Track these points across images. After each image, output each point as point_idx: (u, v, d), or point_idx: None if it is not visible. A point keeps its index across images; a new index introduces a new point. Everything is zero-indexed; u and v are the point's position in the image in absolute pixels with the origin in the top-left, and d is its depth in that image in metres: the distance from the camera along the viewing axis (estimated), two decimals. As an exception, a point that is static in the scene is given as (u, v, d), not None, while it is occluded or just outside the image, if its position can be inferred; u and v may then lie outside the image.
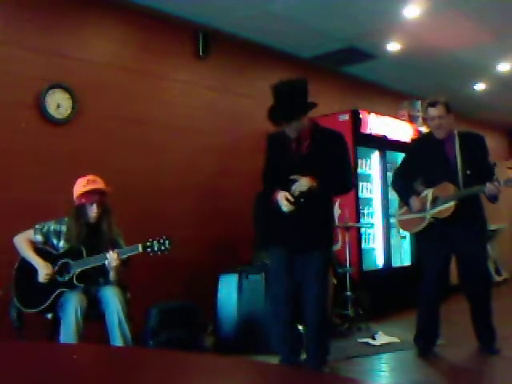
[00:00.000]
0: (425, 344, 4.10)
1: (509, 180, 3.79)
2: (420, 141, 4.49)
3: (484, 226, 4.09)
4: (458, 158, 3.92)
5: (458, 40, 5.90)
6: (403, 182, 4.18)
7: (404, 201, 4.17)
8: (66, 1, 4.46)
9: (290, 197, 3.27)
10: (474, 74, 7.27)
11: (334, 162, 3.39)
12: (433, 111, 3.96)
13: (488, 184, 3.71)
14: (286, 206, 3.27)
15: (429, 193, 3.99)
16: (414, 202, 4.01)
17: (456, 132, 4.03)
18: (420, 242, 4.39)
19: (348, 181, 3.57)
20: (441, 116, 3.93)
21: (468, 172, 3.88)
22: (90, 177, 3.50)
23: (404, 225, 4.34)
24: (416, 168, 4.13)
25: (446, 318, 4.24)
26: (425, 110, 4.12)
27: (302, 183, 3.28)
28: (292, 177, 3.30)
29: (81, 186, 3.47)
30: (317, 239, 3.42)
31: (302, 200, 3.30)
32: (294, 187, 3.29)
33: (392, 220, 6.34)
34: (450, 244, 3.94)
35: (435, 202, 3.96)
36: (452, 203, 3.86)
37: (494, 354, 3.92)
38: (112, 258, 3.29)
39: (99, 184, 3.48)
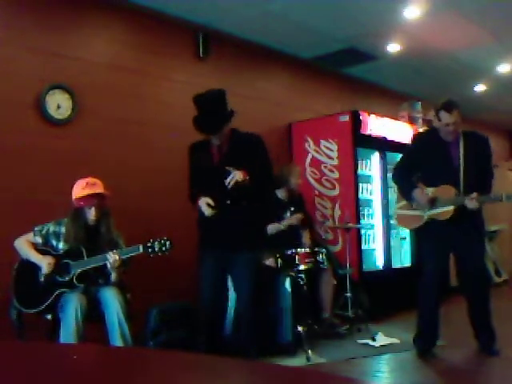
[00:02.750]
0: (425, 345, 4.09)
1: (510, 196, 3.76)
2: (425, 137, 4.32)
3: (482, 225, 4.09)
4: (461, 161, 3.89)
5: (458, 41, 5.91)
6: (405, 176, 4.15)
7: (405, 196, 4.14)
8: (66, 1, 4.47)
9: (210, 201, 3.38)
10: (474, 75, 7.27)
11: (252, 162, 3.47)
12: (448, 118, 3.83)
13: (467, 200, 3.75)
14: (206, 211, 3.40)
15: (429, 192, 3.98)
16: (419, 194, 3.97)
17: (461, 131, 3.97)
18: (420, 241, 4.38)
19: (268, 179, 3.65)
20: (455, 123, 3.85)
21: (470, 175, 3.87)
22: (89, 179, 3.49)
23: (401, 220, 4.34)
24: (418, 164, 4.11)
25: (446, 318, 4.25)
26: (436, 112, 3.92)
27: (236, 175, 3.34)
28: (227, 168, 3.38)
29: (79, 188, 3.46)
30: (241, 241, 3.53)
31: (228, 202, 3.44)
32: (228, 179, 3.35)
33: (392, 221, 6.35)
34: (449, 243, 3.94)
35: (434, 202, 3.95)
36: (451, 207, 3.85)
37: (494, 355, 3.91)
38: (113, 259, 3.29)
39: (98, 187, 3.46)
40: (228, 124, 3.50)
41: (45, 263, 3.35)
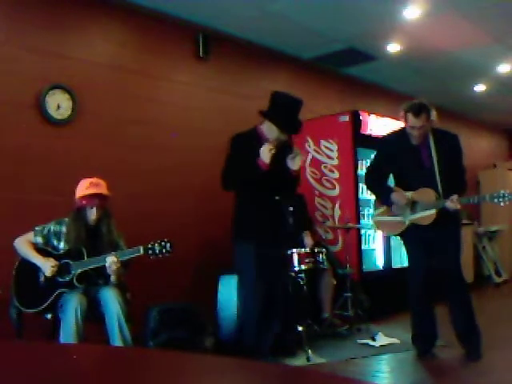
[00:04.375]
0: (424, 345, 4.07)
1: (494, 195, 3.67)
2: (394, 139, 4.09)
3: (459, 229, 4.05)
4: (435, 162, 3.82)
5: (458, 41, 5.91)
6: (378, 180, 4.08)
7: (382, 200, 4.08)
8: (66, 1, 4.47)
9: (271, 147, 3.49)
10: (474, 75, 7.27)
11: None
12: (415, 121, 3.75)
13: (448, 202, 3.69)
14: (267, 155, 3.47)
15: (408, 196, 3.90)
16: (398, 196, 3.90)
17: (430, 131, 3.87)
18: (403, 243, 4.29)
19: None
20: (422, 126, 3.76)
21: (445, 176, 3.81)
22: (93, 179, 3.49)
23: (382, 227, 4.27)
24: (389, 168, 4.05)
25: (446, 319, 4.23)
26: (404, 113, 3.82)
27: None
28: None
29: (83, 188, 3.47)
30: (286, 238, 3.70)
31: (277, 198, 3.55)
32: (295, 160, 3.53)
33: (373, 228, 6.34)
34: (429, 245, 3.90)
35: (414, 206, 3.88)
36: (433, 211, 3.79)
37: (477, 360, 3.83)
38: (111, 262, 3.28)
39: (101, 188, 3.47)
40: None
41: (48, 266, 3.34)
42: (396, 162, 3.98)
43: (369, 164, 4.36)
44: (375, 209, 4.28)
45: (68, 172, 4.15)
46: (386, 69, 6.81)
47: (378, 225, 4.29)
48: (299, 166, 3.53)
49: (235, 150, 3.66)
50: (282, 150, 3.56)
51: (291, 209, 4.89)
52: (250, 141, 3.62)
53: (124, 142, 4.74)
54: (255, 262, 3.52)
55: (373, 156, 4.37)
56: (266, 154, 3.46)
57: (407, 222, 3.94)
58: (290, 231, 3.73)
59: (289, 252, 4.48)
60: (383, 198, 4.06)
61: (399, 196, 3.91)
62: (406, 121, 3.85)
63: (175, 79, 5.23)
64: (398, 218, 3.98)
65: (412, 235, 3.98)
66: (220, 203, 5.45)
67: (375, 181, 4.12)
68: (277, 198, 3.54)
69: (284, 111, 3.52)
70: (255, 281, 3.54)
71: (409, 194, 3.91)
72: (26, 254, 3.44)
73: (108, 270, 3.32)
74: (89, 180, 3.49)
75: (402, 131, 3.98)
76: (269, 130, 3.58)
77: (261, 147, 3.52)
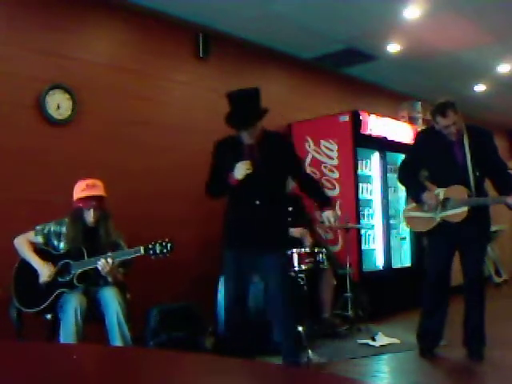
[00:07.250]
0: (427, 343, 4.07)
1: None
2: (428, 135, 4.13)
3: (488, 229, 4.03)
4: (468, 159, 3.81)
5: (458, 41, 5.91)
6: (411, 176, 4.07)
7: (414, 198, 4.06)
8: (66, 1, 4.47)
9: (248, 166, 3.31)
10: (474, 75, 7.27)
11: (285, 164, 3.49)
12: (445, 121, 3.77)
13: (509, 199, 3.65)
14: (240, 174, 3.31)
15: (440, 193, 3.89)
16: (429, 197, 3.89)
17: (464, 128, 3.88)
18: (427, 242, 4.27)
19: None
20: (453, 123, 3.78)
21: (478, 174, 3.80)
22: (89, 181, 3.48)
23: (412, 222, 4.23)
24: (422, 163, 4.05)
25: (449, 318, 4.23)
26: (433, 117, 3.87)
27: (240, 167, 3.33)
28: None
29: (79, 190, 3.46)
30: (270, 242, 3.43)
31: (258, 203, 3.37)
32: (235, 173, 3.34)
33: (392, 221, 6.34)
34: (455, 244, 3.90)
35: (446, 203, 3.86)
36: (465, 209, 3.77)
37: (478, 361, 3.84)
38: (102, 265, 3.28)
39: (97, 189, 3.46)
40: (260, 121, 3.45)
41: (45, 272, 3.35)
42: (429, 159, 3.99)
43: (403, 159, 4.37)
44: (406, 203, 4.26)
45: (68, 172, 4.14)
46: (386, 69, 6.81)
47: (409, 220, 4.25)
48: (240, 177, 3.33)
49: (214, 159, 3.58)
50: (269, 148, 3.45)
51: (290, 209, 4.89)
52: (231, 147, 3.53)
53: (124, 142, 4.73)
54: (227, 267, 3.50)
55: (407, 152, 4.37)
56: (240, 172, 3.32)
57: (438, 219, 3.91)
58: (276, 234, 3.47)
59: (288, 252, 4.47)
60: (415, 194, 4.05)
61: (430, 197, 3.90)
62: (436, 123, 3.86)
63: (175, 79, 5.23)
64: (429, 215, 3.95)
65: (440, 234, 3.95)
66: (220, 203, 5.46)
67: (408, 176, 4.12)
68: (257, 202, 3.38)
69: (233, 106, 3.47)
70: (226, 284, 3.55)
71: (440, 190, 3.90)
72: (25, 255, 3.44)
73: (102, 272, 3.32)
74: (85, 182, 3.48)
75: (435, 128, 4.00)
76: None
77: (234, 151, 3.46)
